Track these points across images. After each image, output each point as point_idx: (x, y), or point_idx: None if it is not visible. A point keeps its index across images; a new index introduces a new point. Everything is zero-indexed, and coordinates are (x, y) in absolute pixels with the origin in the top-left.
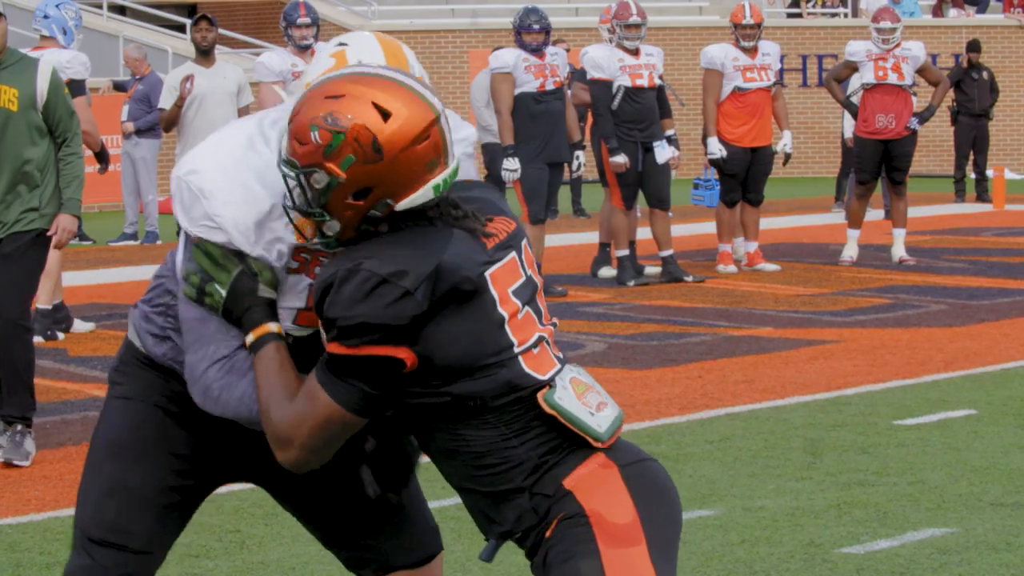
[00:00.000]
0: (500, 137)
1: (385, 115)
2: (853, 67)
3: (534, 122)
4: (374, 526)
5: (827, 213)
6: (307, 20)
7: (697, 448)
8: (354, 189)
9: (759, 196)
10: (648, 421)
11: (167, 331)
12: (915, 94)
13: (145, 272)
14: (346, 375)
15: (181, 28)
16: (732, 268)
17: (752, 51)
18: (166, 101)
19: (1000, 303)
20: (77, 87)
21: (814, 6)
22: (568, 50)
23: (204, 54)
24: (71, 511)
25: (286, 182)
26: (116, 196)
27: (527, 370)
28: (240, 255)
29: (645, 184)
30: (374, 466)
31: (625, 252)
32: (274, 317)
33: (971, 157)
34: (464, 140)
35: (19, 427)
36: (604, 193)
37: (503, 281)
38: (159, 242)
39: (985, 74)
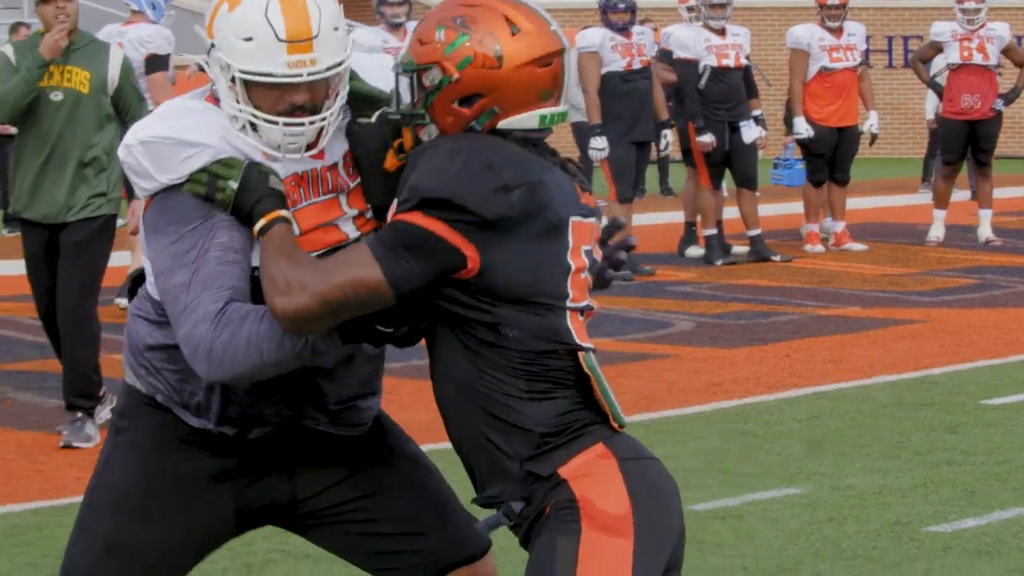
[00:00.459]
0: (588, 116)
1: (514, 29)
2: (938, 48)
3: (621, 101)
4: (418, 526)
5: (914, 194)
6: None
7: (784, 427)
8: (463, 93)
9: (845, 176)
10: (735, 400)
11: (163, 315)
12: (1000, 75)
13: None
14: (403, 245)
15: None
16: (819, 248)
17: (838, 31)
18: None
19: None
20: (158, 62)
21: None
22: (655, 29)
23: None
24: None
25: (397, 89)
26: None
27: (570, 327)
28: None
29: (732, 164)
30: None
31: (713, 231)
32: (284, 206)
33: None
34: None
35: (79, 414)
36: (687, 173)
37: (580, 236)
38: None
39: None
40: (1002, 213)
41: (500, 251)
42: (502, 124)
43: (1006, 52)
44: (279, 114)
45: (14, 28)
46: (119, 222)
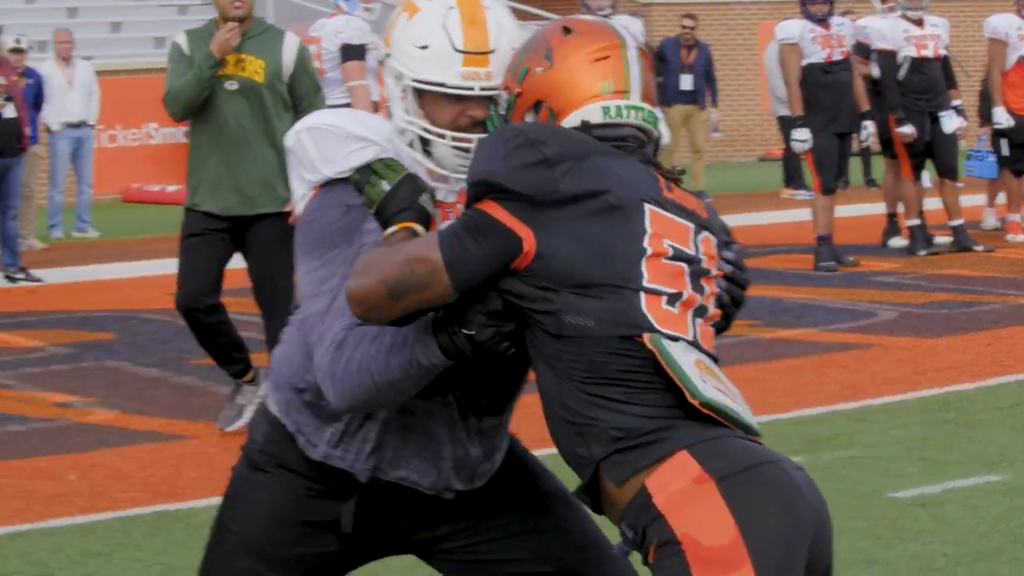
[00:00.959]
0: (790, 108)
1: (567, 31)
2: None
3: (822, 92)
4: (572, 565)
5: None
6: None
7: (987, 415)
8: (529, 103)
9: None
10: (937, 388)
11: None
12: None
13: None
14: (463, 228)
15: None
16: (1022, 237)
17: None
18: None
19: None
20: (351, 51)
21: None
22: (854, 20)
23: None
24: None
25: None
26: None
27: (644, 310)
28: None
29: (934, 154)
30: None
31: (916, 222)
32: (425, 224)
33: None
34: None
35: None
36: (887, 164)
37: (663, 228)
38: None
39: None
40: None
41: (554, 232)
42: (565, 121)
43: None
44: (456, 129)
45: None
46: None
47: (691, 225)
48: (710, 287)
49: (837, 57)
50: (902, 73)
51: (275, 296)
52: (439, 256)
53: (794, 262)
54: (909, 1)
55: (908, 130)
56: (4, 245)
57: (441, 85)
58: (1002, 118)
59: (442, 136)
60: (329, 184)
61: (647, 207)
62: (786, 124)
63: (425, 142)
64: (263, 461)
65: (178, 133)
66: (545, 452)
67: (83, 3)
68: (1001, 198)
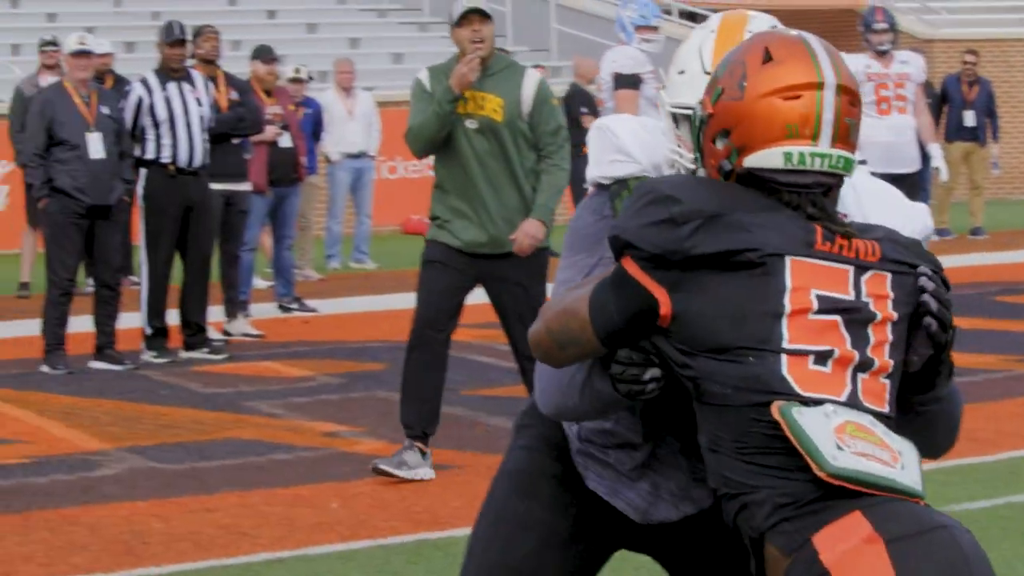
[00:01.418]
0: None
1: (766, 58)
2: None
3: None
4: None
5: None
6: (884, 25)
7: None
8: (718, 128)
9: None
10: None
11: None
12: None
13: None
14: (609, 283)
15: None
16: None
17: None
18: None
19: None
20: (622, 80)
21: None
22: None
23: None
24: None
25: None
26: None
27: (785, 374)
28: None
29: None
30: None
31: None
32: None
33: None
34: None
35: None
36: None
37: (809, 279)
38: None
39: None
40: None
41: (689, 293)
42: (746, 162)
43: None
44: None
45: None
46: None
47: (850, 268)
48: (879, 335)
49: None
50: None
51: (523, 333)
52: (586, 310)
53: None
54: None
55: None
56: (279, 275)
57: (690, 108)
58: None
59: (692, 168)
60: (599, 188)
61: (788, 260)
62: None
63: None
64: (526, 419)
65: None
66: None
67: (365, 34)
68: None
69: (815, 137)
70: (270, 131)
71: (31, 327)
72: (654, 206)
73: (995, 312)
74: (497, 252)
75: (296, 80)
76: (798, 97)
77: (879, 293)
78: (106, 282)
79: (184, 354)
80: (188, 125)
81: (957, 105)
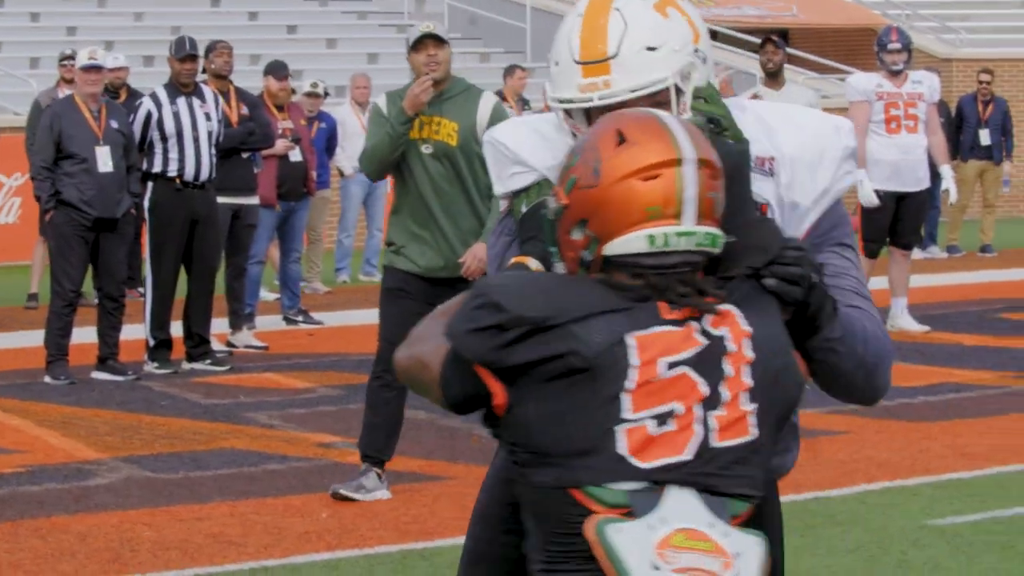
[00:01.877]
0: None
1: (620, 140)
2: None
3: None
4: None
5: None
6: (898, 45)
7: None
8: (575, 219)
9: None
10: None
11: None
12: None
13: None
14: (452, 364)
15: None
16: None
17: None
18: None
19: None
20: None
21: None
22: None
23: (772, 76)
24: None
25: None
26: None
27: (622, 451)
28: None
29: None
30: None
31: None
32: (544, 257)
33: None
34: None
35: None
36: None
37: (657, 349)
38: None
39: None
40: None
41: (523, 392)
42: (607, 250)
43: None
44: None
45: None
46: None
47: (697, 322)
48: (736, 361)
49: None
50: None
51: None
52: (439, 372)
53: None
54: None
55: None
56: (284, 288)
57: (568, 101)
58: None
59: None
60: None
61: (630, 338)
62: None
63: None
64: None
65: None
66: None
67: (384, 49)
68: None
69: (678, 216)
70: (281, 145)
71: (37, 338)
72: (481, 311)
73: (998, 329)
74: (455, 276)
75: (312, 95)
76: (657, 176)
77: (730, 322)
78: (110, 294)
79: (187, 365)
80: (196, 140)
81: (972, 124)
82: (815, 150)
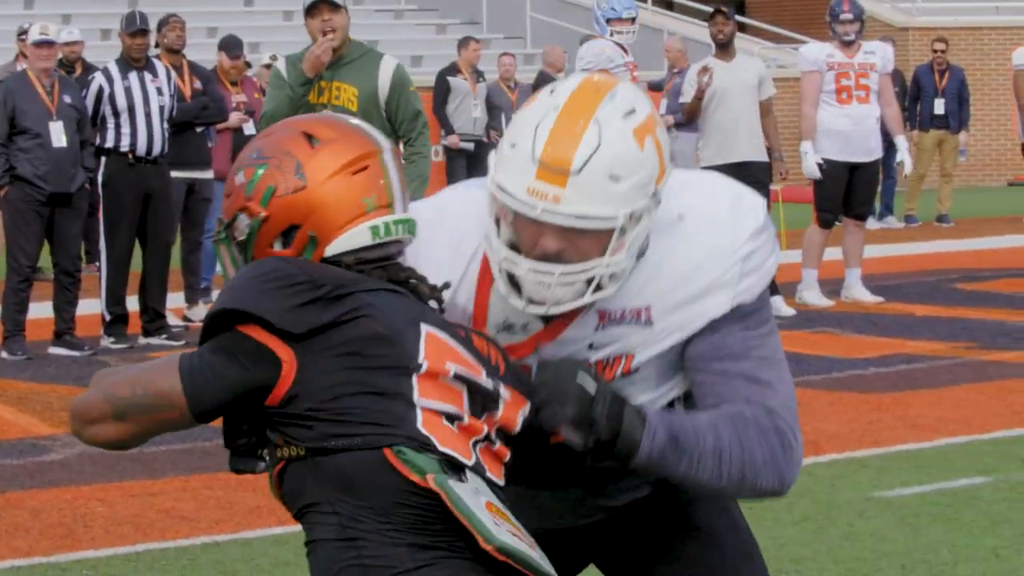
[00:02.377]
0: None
1: (313, 142)
2: None
3: None
4: None
5: None
6: (850, 15)
7: None
8: (278, 230)
9: None
10: None
11: None
12: None
13: None
14: (210, 355)
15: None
16: None
17: None
18: (687, 94)
19: None
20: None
21: None
22: None
23: (722, 47)
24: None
25: (220, 258)
26: None
27: (421, 427)
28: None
29: None
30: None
31: None
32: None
33: None
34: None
35: None
36: None
37: (445, 352)
38: None
39: None
40: None
41: (315, 353)
42: (329, 250)
43: None
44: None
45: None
46: None
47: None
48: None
49: None
50: None
51: None
52: (177, 383)
53: None
54: None
55: None
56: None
57: (510, 195)
58: None
59: (496, 251)
60: None
61: (424, 328)
62: None
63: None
64: None
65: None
66: None
67: (383, 36)
68: None
69: (390, 205)
70: (235, 118)
71: None
72: (279, 277)
73: (952, 300)
74: None
75: (270, 67)
76: (365, 168)
77: (498, 357)
78: (66, 268)
79: (143, 340)
80: (148, 115)
81: (929, 94)
82: (702, 282)
